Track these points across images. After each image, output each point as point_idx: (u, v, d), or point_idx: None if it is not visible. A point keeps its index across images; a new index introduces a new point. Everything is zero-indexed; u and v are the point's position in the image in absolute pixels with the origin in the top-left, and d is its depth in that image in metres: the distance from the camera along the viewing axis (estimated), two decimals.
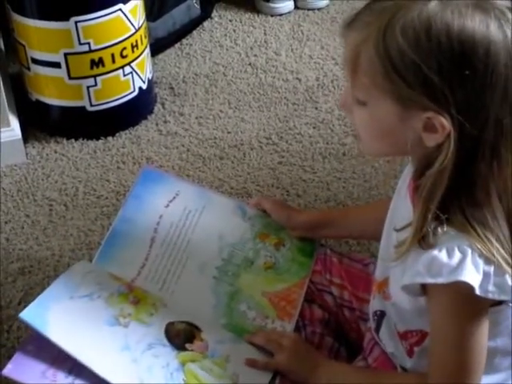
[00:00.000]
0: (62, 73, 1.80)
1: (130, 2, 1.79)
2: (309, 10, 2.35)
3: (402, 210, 1.03)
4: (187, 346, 1.14)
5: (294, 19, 2.32)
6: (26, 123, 1.89)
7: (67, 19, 1.73)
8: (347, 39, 0.93)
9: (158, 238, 1.28)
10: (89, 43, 1.77)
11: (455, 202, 0.92)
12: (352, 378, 1.11)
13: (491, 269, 0.92)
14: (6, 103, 1.80)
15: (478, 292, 0.91)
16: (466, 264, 0.91)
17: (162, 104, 1.99)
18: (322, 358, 1.14)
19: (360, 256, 1.33)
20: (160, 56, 2.16)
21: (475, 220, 0.91)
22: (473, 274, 0.91)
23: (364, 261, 1.27)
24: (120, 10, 1.77)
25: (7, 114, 1.81)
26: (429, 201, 0.92)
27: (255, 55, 2.16)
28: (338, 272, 1.26)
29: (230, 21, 2.31)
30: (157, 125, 1.92)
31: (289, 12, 2.34)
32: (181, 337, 1.15)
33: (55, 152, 1.85)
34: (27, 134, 1.88)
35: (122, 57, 1.82)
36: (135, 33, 1.83)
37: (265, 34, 2.25)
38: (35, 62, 1.82)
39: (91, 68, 1.80)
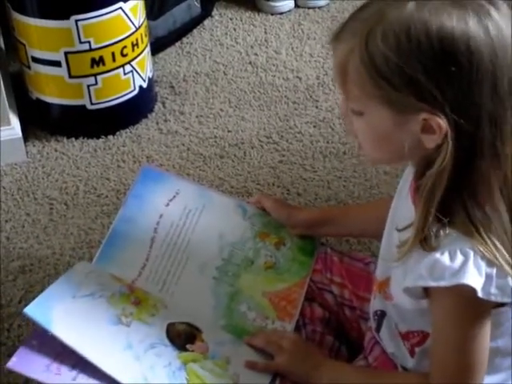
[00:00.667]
0: (62, 71, 1.80)
1: (131, 1, 1.79)
2: (309, 8, 2.35)
3: (403, 209, 1.03)
4: (188, 346, 1.14)
5: (294, 18, 2.32)
6: (27, 122, 1.89)
7: (67, 18, 1.73)
8: (335, 51, 0.94)
9: (158, 238, 1.27)
10: (89, 42, 1.77)
11: (458, 203, 0.92)
12: (353, 377, 1.11)
13: (493, 271, 0.92)
14: (6, 102, 1.80)
15: (480, 295, 0.91)
16: (469, 267, 0.91)
17: (163, 103, 1.99)
18: (323, 357, 1.14)
19: (361, 255, 1.33)
20: (160, 55, 2.16)
21: (478, 221, 0.91)
22: (475, 277, 0.91)
23: (365, 260, 1.27)
24: (120, 8, 1.77)
25: (8, 112, 1.81)
26: (429, 201, 0.92)
27: (256, 54, 2.16)
28: (339, 271, 1.26)
29: (231, 19, 2.31)
30: (157, 123, 1.92)
31: (289, 11, 2.34)
32: (181, 337, 1.15)
33: (55, 151, 1.85)
34: (28, 133, 1.88)
35: (123, 55, 1.82)
36: (136, 31, 1.83)
37: (265, 32, 2.25)
38: (36, 60, 1.82)
39: (92, 67, 1.80)
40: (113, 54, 1.80)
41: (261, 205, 1.33)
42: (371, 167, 1.73)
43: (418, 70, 0.87)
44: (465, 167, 0.90)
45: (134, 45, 1.84)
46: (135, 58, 1.85)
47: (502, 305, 0.96)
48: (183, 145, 1.85)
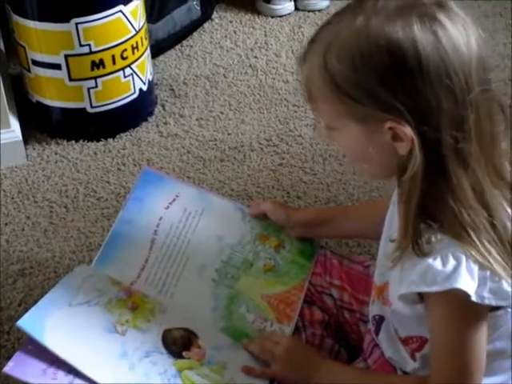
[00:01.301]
0: (62, 74, 1.80)
1: (131, 4, 1.79)
2: (309, 11, 2.35)
3: (395, 219, 1.03)
4: (184, 353, 1.14)
5: (294, 21, 2.32)
6: (27, 125, 1.89)
7: (68, 21, 1.73)
8: (301, 72, 0.98)
9: (157, 240, 1.28)
10: (89, 45, 1.77)
11: (444, 207, 0.92)
12: (350, 378, 1.11)
13: (487, 275, 0.92)
14: (6, 105, 1.80)
15: (473, 299, 0.91)
16: (461, 271, 0.91)
17: (163, 106, 1.99)
18: (321, 360, 1.14)
19: (360, 258, 1.33)
20: (160, 58, 2.17)
21: (467, 224, 0.92)
22: (468, 281, 0.91)
23: (364, 263, 1.27)
24: (120, 11, 1.77)
25: (8, 115, 1.81)
26: (407, 208, 0.93)
27: (255, 57, 2.16)
28: (338, 274, 1.26)
29: (231, 22, 2.31)
30: (157, 126, 1.92)
31: (289, 13, 2.35)
32: (178, 344, 1.15)
33: (56, 154, 1.85)
34: (28, 136, 1.88)
35: (123, 58, 1.82)
36: (136, 34, 1.83)
37: (265, 35, 2.25)
38: (36, 63, 1.82)
39: (92, 69, 1.80)
40: (113, 56, 1.80)
41: (261, 212, 1.33)
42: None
43: (374, 82, 0.89)
44: (439, 170, 0.91)
45: (134, 48, 1.84)
46: (135, 60, 1.85)
47: (498, 308, 0.96)
48: (183, 148, 1.85)
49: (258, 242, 1.30)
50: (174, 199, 1.33)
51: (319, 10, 2.35)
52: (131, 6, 1.80)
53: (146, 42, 1.89)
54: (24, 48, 1.82)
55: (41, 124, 1.92)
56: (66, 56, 1.78)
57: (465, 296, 0.91)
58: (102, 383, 1.08)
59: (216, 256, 1.27)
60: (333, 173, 1.75)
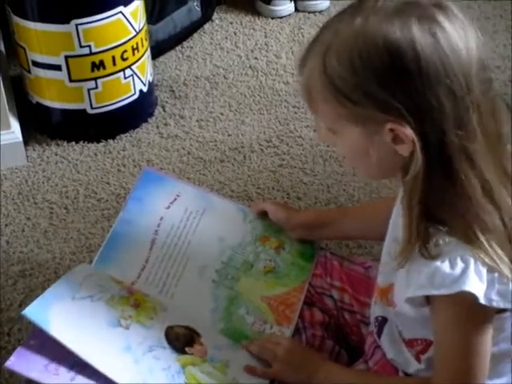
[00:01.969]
0: (62, 75, 1.80)
1: (131, 5, 1.79)
2: (309, 12, 2.35)
3: (400, 220, 1.03)
4: (187, 349, 1.14)
5: (294, 22, 2.32)
6: (27, 126, 1.89)
7: (68, 22, 1.73)
8: (301, 76, 0.97)
9: (158, 240, 1.28)
10: (89, 46, 1.77)
11: (452, 209, 0.92)
12: (351, 380, 1.11)
13: (495, 277, 0.92)
14: (6, 106, 1.80)
15: (482, 301, 0.91)
16: (469, 274, 0.91)
17: (163, 107, 1.99)
18: (321, 361, 1.14)
19: (361, 259, 1.33)
20: (161, 59, 2.17)
21: (476, 226, 0.92)
22: (476, 284, 0.91)
23: (365, 264, 1.27)
24: (121, 12, 1.77)
25: (8, 116, 1.81)
26: (409, 209, 0.93)
27: (256, 58, 2.16)
28: (339, 275, 1.26)
29: (231, 23, 2.31)
30: (157, 127, 1.92)
31: (289, 15, 2.35)
32: (180, 340, 1.15)
33: (56, 155, 1.85)
34: (28, 137, 1.88)
35: (123, 59, 1.82)
36: (136, 35, 1.83)
37: (265, 36, 2.25)
38: (36, 64, 1.82)
39: (92, 71, 1.80)
40: (113, 57, 1.80)
41: (261, 211, 1.33)
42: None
43: (373, 83, 0.89)
44: (445, 172, 0.91)
45: (135, 49, 1.84)
46: (135, 62, 1.85)
47: (505, 310, 0.96)
48: (183, 149, 1.85)
49: (258, 242, 1.30)
50: (175, 199, 1.33)
51: (319, 11, 2.35)
52: (131, 7, 1.80)
53: (146, 43, 1.89)
54: (24, 49, 1.82)
55: (41, 125, 1.92)
56: (66, 57, 1.78)
57: (473, 299, 0.91)
58: (108, 373, 1.08)
59: (216, 257, 1.27)
60: (333, 174, 1.75)
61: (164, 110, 1.98)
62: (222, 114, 1.96)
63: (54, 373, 1.08)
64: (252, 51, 2.19)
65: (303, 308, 1.23)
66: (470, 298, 0.91)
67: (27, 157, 1.84)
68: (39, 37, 1.78)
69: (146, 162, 1.81)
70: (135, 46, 1.84)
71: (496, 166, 0.92)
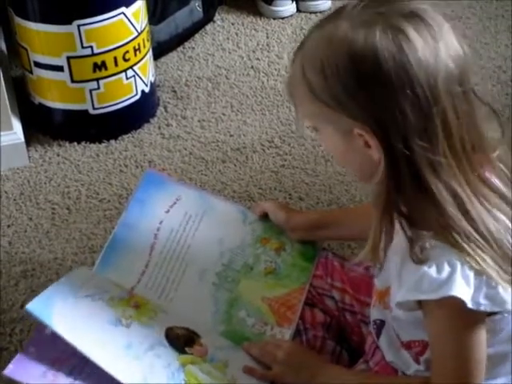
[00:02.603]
0: (64, 76, 1.80)
1: (133, 6, 1.79)
2: (311, 13, 2.35)
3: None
4: (187, 349, 1.14)
5: (296, 22, 2.32)
6: (29, 126, 1.90)
7: (70, 23, 1.73)
8: (287, 77, 1.01)
9: (157, 245, 1.28)
10: (91, 47, 1.77)
11: (430, 217, 0.93)
12: (353, 381, 1.11)
13: (482, 281, 0.92)
14: (8, 106, 1.80)
15: (469, 305, 0.92)
16: (456, 278, 0.91)
17: (165, 107, 1.99)
18: (321, 363, 1.14)
19: None
20: (162, 59, 2.17)
21: (453, 231, 0.92)
22: (463, 288, 0.91)
23: (365, 264, 1.27)
24: (123, 13, 1.77)
25: (10, 117, 1.81)
26: (375, 211, 0.94)
27: (257, 58, 2.16)
28: (340, 276, 1.26)
29: (233, 24, 2.31)
30: (159, 128, 1.92)
31: (291, 15, 2.34)
32: (180, 340, 1.15)
33: (58, 155, 1.85)
34: (30, 138, 1.88)
35: (125, 60, 1.82)
36: (138, 36, 1.83)
37: (267, 37, 2.25)
38: (38, 65, 1.82)
39: (94, 71, 1.80)
40: (115, 58, 1.80)
41: (262, 212, 1.33)
42: None
43: (339, 89, 0.91)
44: (416, 181, 0.91)
45: (136, 49, 1.84)
46: (137, 62, 1.85)
47: (496, 312, 0.96)
48: (185, 149, 1.85)
49: (258, 244, 1.30)
50: (175, 202, 1.33)
51: (321, 12, 2.35)
52: (133, 7, 1.80)
53: (148, 44, 1.90)
54: (26, 50, 1.82)
55: (43, 126, 1.92)
56: (68, 58, 1.78)
57: (461, 303, 0.91)
58: (109, 370, 1.08)
59: (217, 260, 1.27)
60: (335, 174, 1.75)
61: (166, 111, 1.98)
62: (223, 114, 1.96)
63: (53, 379, 1.08)
64: (254, 52, 2.19)
65: (304, 309, 1.23)
66: (458, 302, 0.91)
67: (29, 157, 1.84)
68: (41, 38, 1.78)
69: (148, 163, 1.81)
70: (137, 47, 1.84)
71: (468, 178, 0.92)
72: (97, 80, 1.81)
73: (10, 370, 1.08)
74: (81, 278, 1.21)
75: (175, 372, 1.11)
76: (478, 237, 0.92)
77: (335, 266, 1.27)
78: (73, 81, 1.81)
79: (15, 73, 2.04)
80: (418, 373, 1.06)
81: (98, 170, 1.80)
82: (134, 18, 1.81)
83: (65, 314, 1.13)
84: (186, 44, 2.23)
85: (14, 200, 1.73)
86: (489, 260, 0.92)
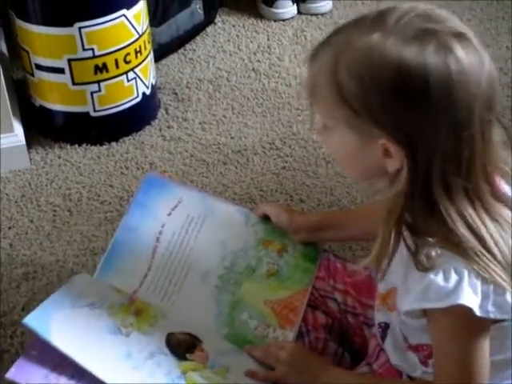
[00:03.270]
0: (65, 78, 1.80)
1: (134, 8, 1.80)
2: (312, 15, 2.35)
3: None
4: (188, 355, 1.14)
5: (297, 24, 2.32)
6: (30, 129, 1.90)
7: (71, 25, 1.74)
8: (309, 69, 0.97)
9: (160, 248, 1.27)
10: (92, 49, 1.77)
11: (438, 230, 0.92)
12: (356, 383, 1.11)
13: (490, 288, 0.92)
14: (9, 109, 1.80)
15: (478, 313, 0.91)
16: (463, 286, 0.91)
17: (166, 109, 1.99)
18: (324, 366, 1.13)
19: None
20: (163, 61, 2.17)
21: (458, 242, 0.91)
22: (471, 296, 0.91)
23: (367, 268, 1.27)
24: (123, 15, 1.78)
25: (11, 119, 1.81)
26: (387, 222, 0.94)
27: (258, 60, 2.16)
28: (342, 278, 1.25)
29: (234, 26, 2.31)
30: (160, 130, 1.92)
31: (292, 17, 2.35)
32: (181, 346, 1.15)
33: (59, 157, 1.85)
34: (31, 140, 1.88)
35: (126, 62, 1.82)
36: (139, 38, 1.83)
37: (268, 39, 2.25)
38: (39, 67, 1.82)
39: (95, 73, 1.80)
40: (116, 60, 1.81)
41: (264, 214, 1.33)
42: None
43: (377, 101, 0.89)
44: (424, 199, 0.91)
45: (137, 52, 1.84)
46: (138, 64, 1.86)
47: (503, 320, 0.95)
48: (186, 151, 1.85)
49: (261, 246, 1.30)
50: (177, 205, 1.33)
51: (322, 14, 2.35)
52: (134, 10, 1.80)
53: (149, 46, 1.90)
54: (27, 52, 1.82)
55: (44, 128, 1.92)
56: (69, 60, 1.78)
57: (468, 311, 0.91)
58: (109, 381, 1.08)
59: (219, 262, 1.27)
60: (336, 176, 1.75)
61: (167, 113, 1.98)
62: (224, 116, 1.96)
63: (55, 382, 1.08)
64: (255, 54, 2.19)
65: (306, 311, 1.23)
66: (465, 310, 0.91)
67: (30, 160, 1.84)
68: (42, 40, 1.78)
69: (149, 165, 1.81)
70: (138, 49, 1.84)
71: (482, 198, 0.92)
72: (98, 82, 1.81)
73: (12, 374, 1.08)
74: (80, 286, 1.20)
75: (176, 380, 1.11)
76: (488, 255, 0.91)
77: (337, 268, 1.27)
78: (74, 83, 1.81)
79: (16, 75, 2.04)
80: (425, 375, 1.06)
81: (99, 172, 1.80)
82: (135, 20, 1.81)
83: (63, 327, 1.12)
84: (187, 46, 2.23)
85: (15, 202, 1.73)
86: (496, 269, 0.91)
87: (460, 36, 0.90)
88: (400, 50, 0.88)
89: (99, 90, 1.82)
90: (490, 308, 0.92)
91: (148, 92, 1.91)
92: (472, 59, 0.89)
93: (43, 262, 1.57)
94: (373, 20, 0.93)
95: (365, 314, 1.23)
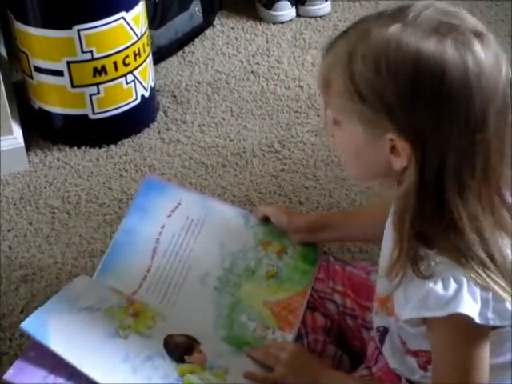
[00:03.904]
0: (64, 81, 1.80)
1: (133, 10, 1.80)
2: (311, 17, 2.35)
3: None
4: (186, 358, 1.14)
5: (295, 27, 2.32)
6: (29, 131, 1.90)
7: (70, 27, 1.74)
8: (323, 61, 0.96)
9: (159, 249, 1.28)
10: (91, 51, 1.77)
11: (442, 234, 0.91)
12: None
13: (489, 295, 0.91)
14: (8, 111, 1.80)
15: (478, 321, 0.91)
16: (463, 294, 0.91)
17: (165, 112, 1.99)
18: (323, 368, 1.13)
19: (363, 264, 1.33)
20: (162, 64, 2.17)
21: (463, 248, 0.91)
22: (470, 305, 0.91)
23: (367, 268, 1.27)
24: (123, 18, 1.78)
25: (10, 121, 1.81)
26: (400, 225, 0.92)
27: (257, 63, 2.16)
28: (341, 280, 1.26)
29: (232, 29, 2.32)
30: (159, 133, 1.92)
31: (291, 20, 2.35)
32: (180, 349, 1.15)
33: (58, 160, 1.85)
34: (30, 142, 1.88)
35: (125, 65, 1.83)
36: (138, 41, 1.83)
37: (267, 41, 2.25)
38: (38, 70, 1.82)
39: (94, 76, 1.80)
40: (115, 63, 1.81)
41: (263, 216, 1.33)
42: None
43: (391, 92, 0.88)
44: (438, 198, 0.90)
45: (136, 54, 1.84)
46: (137, 67, 1.86)
47: (503, 326, 0.95)
48: (185, 154, 1.85)
49: (260, 248, 1.30)
50: (177, 207, 1.33)
51: (321, 16, 2.35)
52: (133, 12, 1.80)
53: (147, 49, 1.90)
54: (26, 55, 1.82)
55: (43, 130, 1.92)
56: (68, 62, 1.78)
57: (468, 319, 0.91)
58: None
59: (218, 264, 1.27)
60: (335, 178, 1.75)
61: (166, 115, 1.98)
62: (223, 119, 1.96)
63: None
64: (253, 56, 2.19)
65: (305, 313, 1.23)
66: (465, 319, 0.91)
67: (29, 162, 1.84)
68: (41, 42, 1.78)
69: (148, 168, 1.81)
70: (137, 52, 1.84)
71: (492, 202, 0.91)
72: (97, 85, 1.81)
73: (10, 375, 1.08)
74: (79, 289, 1.20)
75: (173, 382, 1.11)
76: (488, 260, 0.91)
77: (337, 270, 1.27)
78: (73, 85, 1.81)
79: (15, 78, 2.04)
80: (424, 379, 1.06)
81: (97, 175, 1.80)
82: (134, 22, 1.81)
83: (61, 331, 1.13)
84: (186, 49, 2.23)
85: (14, 204, 1.73)
86: (497, 278, 0.91)
87: (480, 35, 0.89)
88: (419, 41, 0.87)
89: (98, 93, 1.82)
90: (490, 315, 0.92)
91: (147, 94, 1.91)
92: (490, 60, 0.88)
93: (42, 265, 1.56)
94: (392, 13, 0.92)
95: (363, 316, 1.23)
